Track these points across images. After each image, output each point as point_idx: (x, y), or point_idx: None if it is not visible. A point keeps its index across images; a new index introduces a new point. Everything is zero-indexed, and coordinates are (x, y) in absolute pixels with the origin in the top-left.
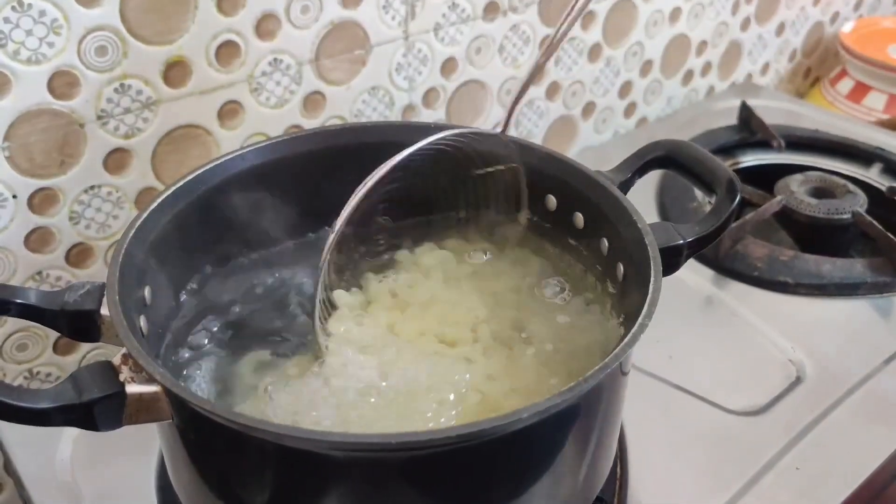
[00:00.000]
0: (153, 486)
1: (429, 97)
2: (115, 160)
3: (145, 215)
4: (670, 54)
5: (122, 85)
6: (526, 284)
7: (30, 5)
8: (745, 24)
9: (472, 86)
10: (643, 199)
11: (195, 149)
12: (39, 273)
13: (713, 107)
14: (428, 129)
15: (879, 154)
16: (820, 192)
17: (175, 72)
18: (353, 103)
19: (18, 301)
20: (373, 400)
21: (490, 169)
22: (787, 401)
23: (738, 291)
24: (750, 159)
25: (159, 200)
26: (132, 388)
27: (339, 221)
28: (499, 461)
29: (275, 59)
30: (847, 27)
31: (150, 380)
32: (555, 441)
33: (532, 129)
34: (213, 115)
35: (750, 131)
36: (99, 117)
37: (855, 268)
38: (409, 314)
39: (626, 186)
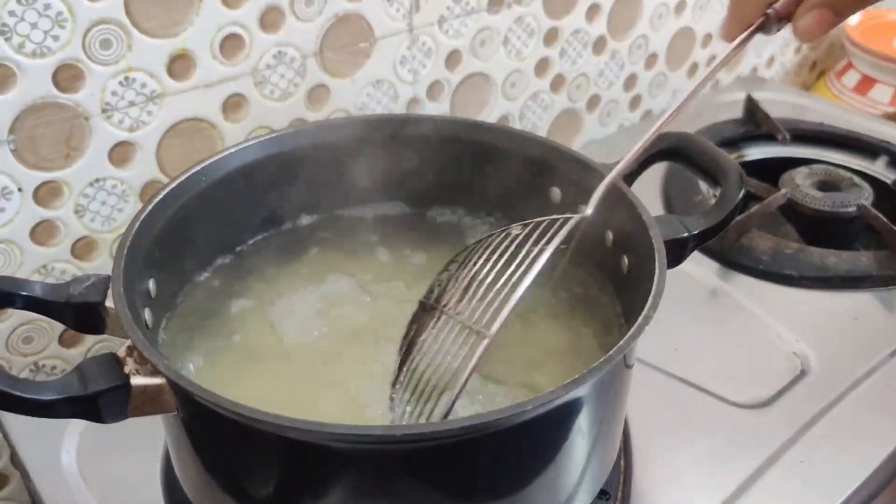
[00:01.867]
0: (159, 477)
1: (433, 90)
2: (120, 153)
3: (150, 208)
4: (675, 47)
5: (126, 78)
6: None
7: None
8: None
9: (476, 78)
10: (648, 191)
11: (200, 142)
12: (45, 266)
13: (718, 100)
14: (432, 122)
15: (885, 147)
16: (825, 185)
17: (179, 65)
18: (357, 96)
19: (23, 293)
20: None
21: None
22: (792, 393)
23: (744, 284)
24: (755, 152)
25: (164, 193)
26: (137, 380)
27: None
28: (503, 453)
29: (279, 52)
30: (853, 20)
31: (155, 372)
32: (559, 433)
33: (536, 122)
34: (217, 108)
35: (755, 124)
36: (104, 110)
37: (860, 261)
38: None
39: (630, 179)
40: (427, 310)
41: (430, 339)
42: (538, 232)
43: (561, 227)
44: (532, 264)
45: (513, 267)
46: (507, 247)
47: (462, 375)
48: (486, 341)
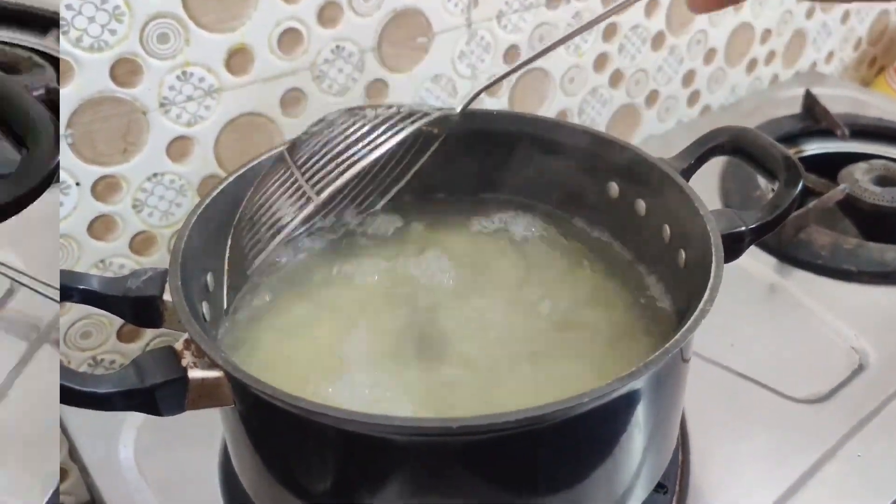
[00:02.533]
0: (217, 471)
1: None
2: (178, 148)
3: (207, 202)
4: (734, 43)
5: (184, 72)
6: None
7: None
8: (809, 12)
9: (535, 74)
10: (706, 186)
11: (257, 136)
12: (103, 261)
13: (777, 95)
14: (492, 116)
15: None
16: (884, 181)
17: (237, 59)
18: (415, 91)
19: (81, 287)
20: None
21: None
22: (849, 388)
23: (802, 279)
24: (814, 148)
25: (222, 187)
26: (194, 374)
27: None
28: (560, 446)
29: (337, 47)
30: None
31: (213, 365)
32: (616, 426)
33: (595, 117)
34: (275, 103)
35: (814, 119)
36: (161, 105)
37: None
38: None
39: (688, 173)
40: (282, 160)
41: (270, 189)
42: (405, 117)
43: (423, 116)
44: (380, 144)
45: (366, 141)
46: (371, 123)
47: (281, 234)
48: (311, 206)
